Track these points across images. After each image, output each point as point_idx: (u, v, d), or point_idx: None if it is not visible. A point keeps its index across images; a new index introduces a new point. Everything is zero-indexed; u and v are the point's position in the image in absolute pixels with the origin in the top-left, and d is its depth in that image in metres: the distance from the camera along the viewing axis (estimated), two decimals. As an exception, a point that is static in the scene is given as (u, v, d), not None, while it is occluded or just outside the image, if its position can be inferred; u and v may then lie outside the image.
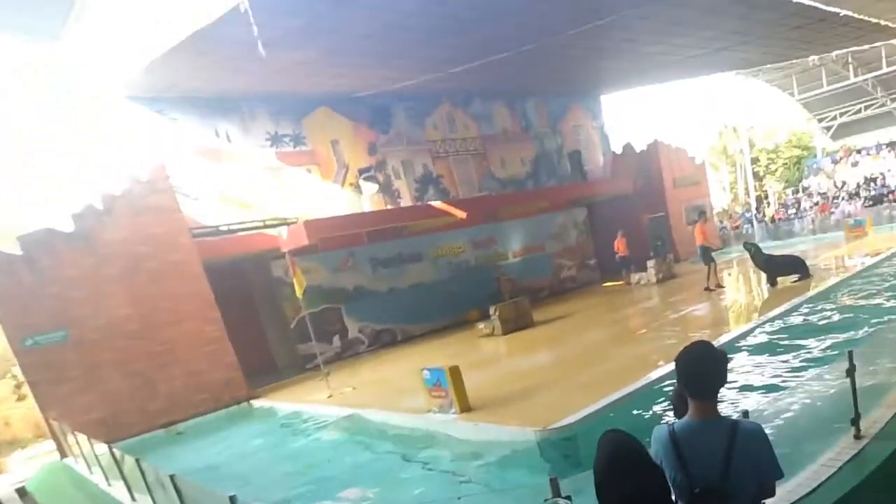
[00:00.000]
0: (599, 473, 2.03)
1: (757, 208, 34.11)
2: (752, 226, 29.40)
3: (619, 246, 18.97)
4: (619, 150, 24.58)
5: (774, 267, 12.97)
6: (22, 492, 10.46)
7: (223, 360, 12.86)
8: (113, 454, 7.55)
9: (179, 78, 12.84)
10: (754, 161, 36.63)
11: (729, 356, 2.49)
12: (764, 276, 13.25)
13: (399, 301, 16.65)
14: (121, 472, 7.53)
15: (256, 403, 12.78)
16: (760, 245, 14.06)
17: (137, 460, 6.46)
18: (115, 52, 12.04)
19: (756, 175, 36.79)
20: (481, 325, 14.31)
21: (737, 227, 29.46)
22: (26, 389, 13.16)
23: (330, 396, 10.92)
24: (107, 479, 8.55)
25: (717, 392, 2.36)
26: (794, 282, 12.64)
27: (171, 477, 5.25)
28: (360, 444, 8.66)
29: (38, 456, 13.14)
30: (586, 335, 12.04)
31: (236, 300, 14.27)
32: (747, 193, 35.96)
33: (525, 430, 6.61)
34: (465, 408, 7.76)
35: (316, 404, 10.84)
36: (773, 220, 30.26)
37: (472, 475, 6.43)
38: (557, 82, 21.15)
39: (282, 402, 12.10)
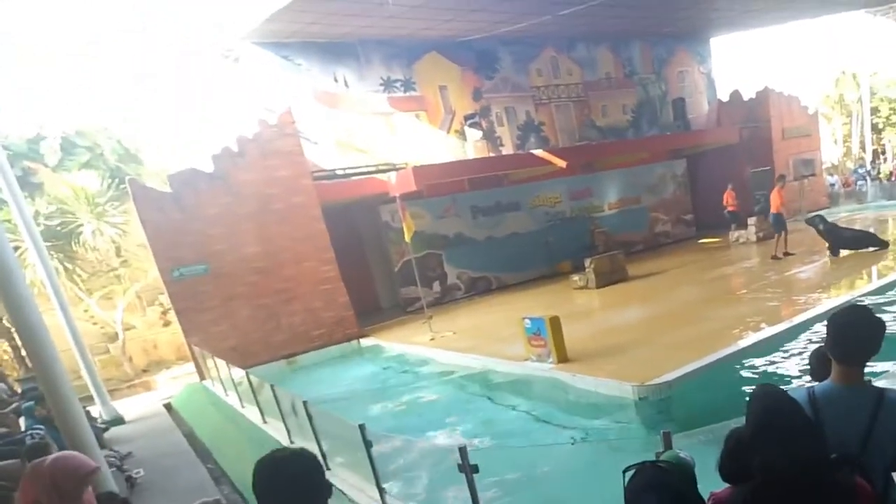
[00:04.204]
0: (752, 426, 1.92)
1: (872, 164, 31.30)
2: (867, 182, 26.99)
3: (729, 199, 18.22)
4: (725, 98, 23.19)
5: (837, 238, 12.56)
6: (168, 407, 12.00)
7: (337, 299, 13.66)
8: (249, 380, 8.21)
9: (303, 23, 13.18)
10: (874, 111, 33.06)
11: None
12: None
13: (496, 249, 16.90)
14: (255, 396, 8.23)
15: (365, 342, 13.51)
16: (870, 204, 13.20)
17: (272, 386, 7.01)
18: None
19: (874, 127, 33.35)
20: (575, 278, 14.30)
21: (849, 186, 27.15)
22: (171, 316, 14.52)
23: (432, 339, 11.39)
24: (241, 401, 9.31)
25: (868, 359, 2.22)
26: (870, 251, 12.22)
27: (304, 403, 5.72)
28: (463, 386, 9.07)
29: (180, 377, 14.51)
30: (682, 292, 11.73)
31: (347, 242, 14.90)
32: (862, 147, 32.91)
33: (623, 384, 6.67)
34: (563, 358, 7.91)
35: (420, 346, 11.33)
36: (889, 177, 27.75)
37: (570, 423, 6.65)
38: (665, 23, 19.96)
39: (388, 342, 12.72)
